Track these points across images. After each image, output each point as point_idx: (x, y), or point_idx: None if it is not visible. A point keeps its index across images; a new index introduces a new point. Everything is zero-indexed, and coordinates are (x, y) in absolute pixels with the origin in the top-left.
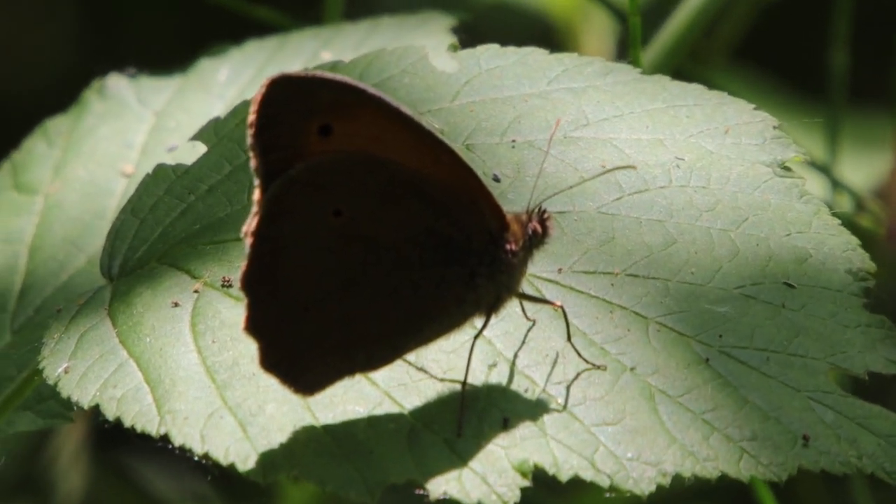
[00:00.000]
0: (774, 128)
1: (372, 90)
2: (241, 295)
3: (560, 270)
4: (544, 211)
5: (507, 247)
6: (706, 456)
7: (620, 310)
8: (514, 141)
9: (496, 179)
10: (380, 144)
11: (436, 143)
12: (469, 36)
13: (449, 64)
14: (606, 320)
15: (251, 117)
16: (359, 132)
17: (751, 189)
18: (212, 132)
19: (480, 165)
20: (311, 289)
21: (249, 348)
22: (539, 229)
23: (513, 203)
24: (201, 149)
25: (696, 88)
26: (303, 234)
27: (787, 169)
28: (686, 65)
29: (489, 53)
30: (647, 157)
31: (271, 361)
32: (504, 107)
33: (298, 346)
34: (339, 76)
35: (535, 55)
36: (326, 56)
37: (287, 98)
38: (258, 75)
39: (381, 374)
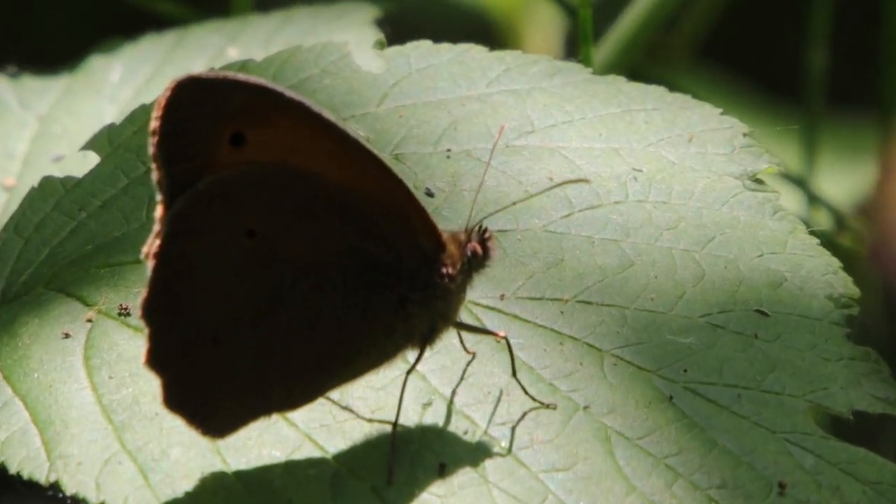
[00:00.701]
0: (744, 135)
1: (290, 93)
2: (141, 324)
3: (503, 297)
4: (485, 229)
5: (443, 269)
6: None
7: (571, 341)
8: (449, 150)
9: (429, 194)
10: (299, 155)
11: (361, 153)
12: (396, 30)
13: (375, 63)
14: (556, 353)
15: (154, 124)
16: (275, 141)
17: (718, 204)
18: (105, 140)
19: (412, 178)
20: (220, 318)
21: (151, 385)
22: (479, 250)
23: (449, 221)
24: (93, 159)
25: (655, 91)
26: (212, 255)
27: (759, 181)
28: (644, 64)
29: (420, 51)
30: (600, 169)
31: (176, 400)
32: (438, 111)
33: (207, 383)
34: (253, 78)
35: (472, 53)
36: (233, 53)
37: (195, 102)
38: (155, 75)
39: (301, 414)
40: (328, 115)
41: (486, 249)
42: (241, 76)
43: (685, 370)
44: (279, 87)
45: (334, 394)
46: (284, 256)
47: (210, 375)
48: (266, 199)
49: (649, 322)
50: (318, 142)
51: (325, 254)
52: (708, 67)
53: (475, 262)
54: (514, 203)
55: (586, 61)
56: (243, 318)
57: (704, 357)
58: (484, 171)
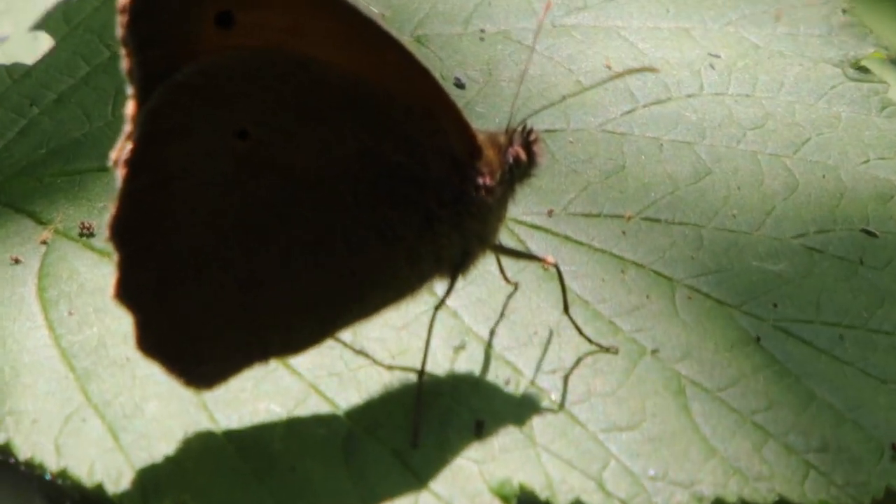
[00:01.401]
0: (844, 11)
1: None
2: (109, 248)
3: (551, 213)
4: (530, 130)
5: (479, 179)
6: (758, 473)
7: (636, 268)
8: (483, 31)
9: (459, 85)
10: (299, 38)
11: (375, 35)
12: None
13: None
14: (617, 283)
15: None
16: (270, 21)
17: (813, 98)
18: (60, 17)
19: (437, 65)
20: (206, 240)
21: (122, 323)
22: (522, 155)
23: (484, 119)
24: (45, 41)
25: None
26: (195, 162)
27: (864, 69)
28: None
29: None
30: (668, 55)
31: (152, 342)
32: None
33: (190, 321)
34: None
35: None
36: None
37: None
38: None
39: (306, 360)
40: None
41: (531, 154)
42: None
43: (775, 305)
44: None
45: (346, 334)
46: (284, 163)
47: (194, 312)
48: (260, 93)
49: (731, 244)
50: (322, 21)
51: (334, 160)
52: None
53: (518, 171)
54: (564, 97)
55: None
56: (234, 240)
57: (799, 288)
58: (527, 58)
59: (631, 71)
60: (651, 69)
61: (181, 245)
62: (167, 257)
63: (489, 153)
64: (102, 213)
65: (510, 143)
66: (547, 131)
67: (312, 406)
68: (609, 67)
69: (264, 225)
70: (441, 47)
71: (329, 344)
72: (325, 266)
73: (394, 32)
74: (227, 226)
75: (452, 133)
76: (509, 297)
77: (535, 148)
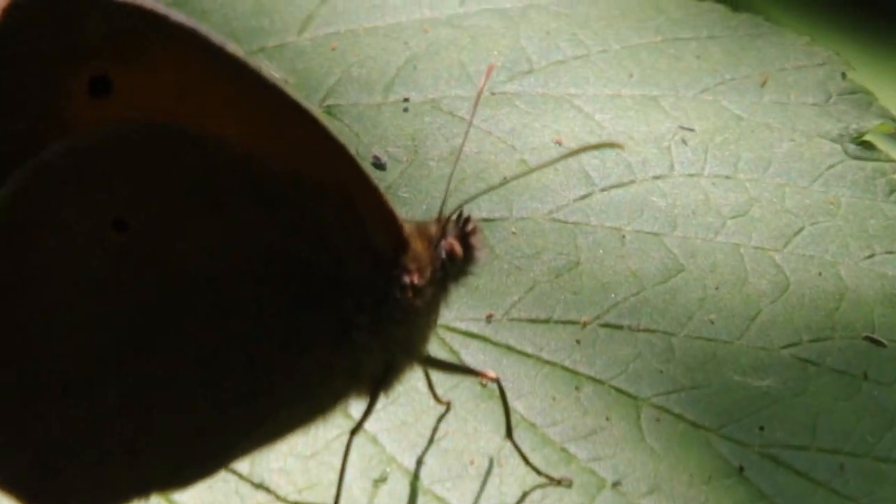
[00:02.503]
0: (844, 76)
1: (174, 15)
2: None
3: (490, 318)
4: (466, 218)
5: (405, 278)
6: None
7: (593, 384)
8: (406, 100)
9: (379, 165)
10: (189, 108)
11: (282, 104)
12: None
13: None
14: (570, 402)
15: None
16: (153, 87)
17: (807, 180)
18: None
19: (352, 142)
20: (74, 353)
21: None
22: (458, 249)
23: (409, 206)
24: None
25: (712, 10)
26: (62, 260)
27: (867, 145)
28: None
29: None
30: (631, 128)
31: (7, 474)
32: (389, 42)
33: (53, 450)
34: None
35: None
36: None
37: (37, 30)
38: None
39: (194, 495)
40: (231, 46)
41: (467, 247)
42: None
43: (762, 428)
44: (159, 7)
45: (242, 464)
46: (170, 260)
47: (58, 439)
48: (142, 175)
49: (707, 356)
50: (217, 87)
51: (231, 256)
52: None
53: (452, 267)
54: (505, 179)
55: None
56: (109, 353)
57: (790, 408)
58: (465, 134)
59: (587, 148)
60: (612, 145)
61: (42, 359)
62: (25, 373)
63: (417, 246)
64: None
65: (443, 234)
66: (486, 220)
67: None
68: (560, 143)
69: (146, 335)
70: (357, 120)
71: (222, 476)
72: (220, 383)
73: (302, 100)
74: (100, 336)
75: (373, 222)
76: (440, 419)
77: (473, 240)
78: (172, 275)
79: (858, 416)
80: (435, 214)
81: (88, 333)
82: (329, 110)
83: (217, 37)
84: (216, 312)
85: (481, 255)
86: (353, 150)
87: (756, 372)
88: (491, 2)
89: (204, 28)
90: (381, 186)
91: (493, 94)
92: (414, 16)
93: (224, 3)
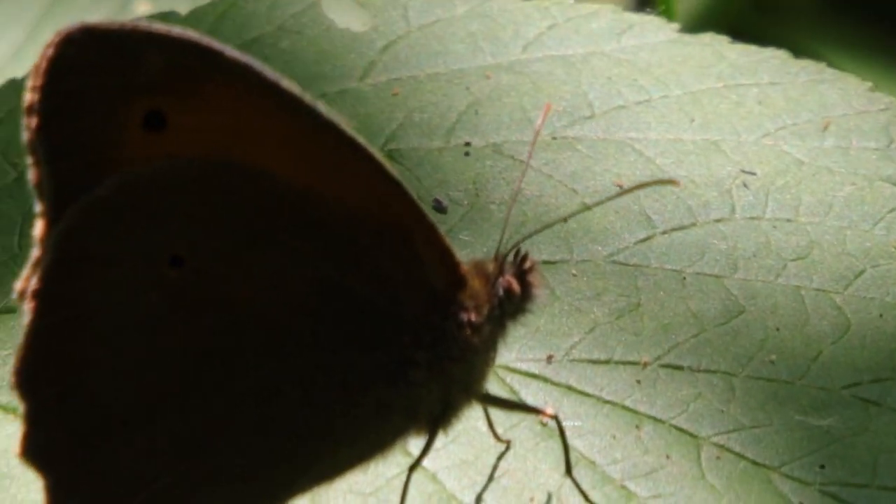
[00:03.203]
0: None
1: (232, 52)
2: (14, 401)
3: (551, 358)
4: (524, 256)
5: (463, 316)
6: None
7: (653, 423)
8: (468, 144)
9: (440, 209)
10: (246, 144)
11: (342, 142)
12: None
13: (356, 16)
14: (630, 441)
15: (30, 97)
16: (211, 123)
17: (868, 223)
18: None
19: (413, 184)
20: (132, 389)
21: (31, 490)
22: (515, 287)
23: (470, 248)
24: None
25: (773, 56)
26: (118, 295)
27: None
28: (752, 16)
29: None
30: (692, 171)
31: None
32: (451, 88)
33: (111, 486)
34: (176, 29)
35: (501, 2)
36: (144, 8)
37: (91, 66)
38: (29, 40)
39: None
40: (289, 84)
41: (525, 285)
42: (159, 26)
43: (822, 466)
44: (215, 43)
45: (301, 502)
46: (226, 296)
47: (116, 475)
48: (198, 211)
49: (768, 396)
50: (272, 124)
51: (287, 293)
52: (845, 21)
53: (510, 305)
54: (565, 219)
55: (669, 12)
56: (166, 390)
57: (851, 447)
58: (521, 175)
59: (646, 184)
60: (670, 182)
61: (102, 395)
62: (84, 409)
63: (475, 284)
64: (7, 362)
65: (500, 271)
66: (546, 262)
67: None
68: (620, 187)
69: (202, 372)
70: (418, 164)
71: None
72: (277, 420)
73: (358, 137)
74: (158, 373)
75: (431, 261)
76: (500, 457)
77: (531, 278)
78: (228, 312)
79: None
80: (493, 254)
81: (144, 371)
82: (391, 154)
83: (272, 72)
84: (272, 350)
85: (539, 292)
86: (413, 193)
87: (817, 411)
88: (553, 49)
89: (259, 63)
90: (442, 227)
91: (554, 138)
92: (476, 62)
93: (286, 49)
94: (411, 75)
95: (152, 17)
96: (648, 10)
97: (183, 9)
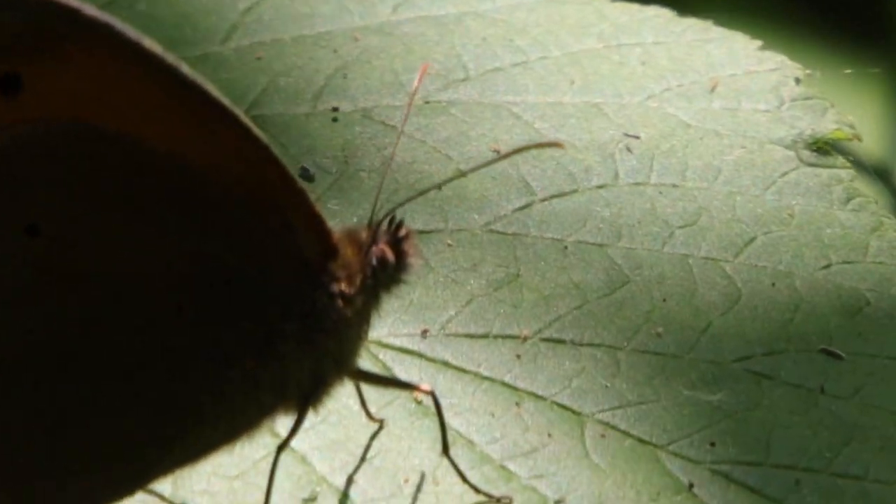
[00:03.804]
0: (797, 81)
1: (92, 10)
2: None
3: (426, 333)
4: (399, 223)
5: (334, 286)
6: None
7: (534, 400)
8: (336, 109)
9: (307, 177)
10: (105, 107)
11: (206, 104)
12: None
13: None
14: (510, 419)
15: None
16: (69, 85)
17: (759, 188)
18: None
19: (280, 151)
20: None
21: None
22: (389, 255)
23: (339, 218)
24: None
25: (657, 14)
26: None
27: (822, 151)
28: None
29: None
30: (573, 135)
31: None
32: (317, 51)
33: None
34: None
35: None
36: None
37: None
38: None
39: None
40: (151, 44)
41: (400, 254)
42: None
43: (712, 444)
44: (72, 1)
45: (164, 484)
46: (85, 267)
47: None
48: (55, 177)
49: (655, 370)
50: (134, 86)
51: (150, 263)
52: None
53: (384, 275)
54: (439, 186)
55: None
56: (21, 366)
57: (743, 423)
58: (396, 140)
59: (523, 148)
60: (553, 144)
61: None
62: None
63: (347, 253)
64: None
65: (373, 240)
66: (421, 232)
67: None
68: (498, 152)
69: (60, 346)
70: (283, 130)
71: (140, 498)
72: (139, 397)
73: (225, 100)
74: (12, 346)
75: (301, 229)
76: (373, 437)
77: (406, 246)
78: (88, 282)
79: (815, 430)
80: (366, 220)
81: (0, 345)
82: (255, 121)
83: (133, 32)
84: (134, 322)
85: (414, 261)
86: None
87: (707, 386)
88: (425, 9)
89: (119, 22)
90: (311, 196)
91: (427, 102)
92: (344, 24)
93: (142, 12)
94: (275, 38)
95: None
96: None
97: None
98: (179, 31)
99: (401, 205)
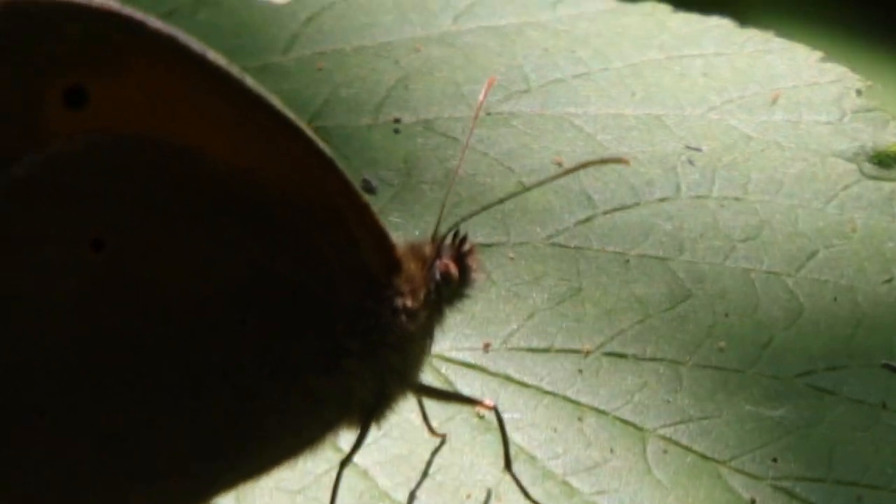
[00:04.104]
0: (859, 93)
1: (156, 23)
2: None
3: (488, 347)
4: (463, 238)
5: (398, 301)
6: None
7: (596, 415)
8: (397, 121)
9: (369, 189)
10: (171, 120)
11: (271, 118)
12: None
13: None
14: (572, 434)
15: None
16: (134, 99)
17: (821, 201)
18: None
19: (342, 163)
20: (47, 380)
21: None
22: (453, 270)
23: (401, 230)
24: None
25: (718, 25)
26: (35, 280)
27: (885, 164)
28: None
29: None
30: (635, 148)
31: None
32: (379, 61)
33: (26, 478)
34: (96, 0)
35: None
36: None
37: (9, 39)
38: None
39: None
40: (216, 56)
41: (463, 269)
42: None
43: (774, 460)
44: (137, 13)
45: (226, 499)
46: (149, 281)
47: (32, 466)
48: (121, 190)
49: (717, 385)
50: (198, 99)
51: (214, 277)
52: None
53: (447, 290)
54: (501, 200)
55: None
56: (83, 380)
57: (805, 439)
58: (461, 155)
59: (588, 164)
60: (619, 160)
61: (11, 386)
62: None
63: (411, 268)
64: None
65: (437, 255)
66: (483, 245)
67: None
68: (560, 165)
69: (123, 361)
70: (345, 142)
71: None
72: (201, 413)
73: (289, 113)
74: (74, 362)
75: (365, 243)
76: (435, 451)
77: (470, 261)
78: (152, 296)
79: (877, 446)
80: (428, 236)
81: (63, 358)
82: (316, 133)
83: (198, 44)
84: (198, 337)
85: (478, 276)
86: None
87: (769, 401)
88: (486, 19)
89: (184, 35)
90: (373, 209)
91: (488, 114)
92: (405, 34)
93: (203, 21)
94: (337, 48)
95: None
96: None
97: None
98: (240, 40)
99: (465, 219)
